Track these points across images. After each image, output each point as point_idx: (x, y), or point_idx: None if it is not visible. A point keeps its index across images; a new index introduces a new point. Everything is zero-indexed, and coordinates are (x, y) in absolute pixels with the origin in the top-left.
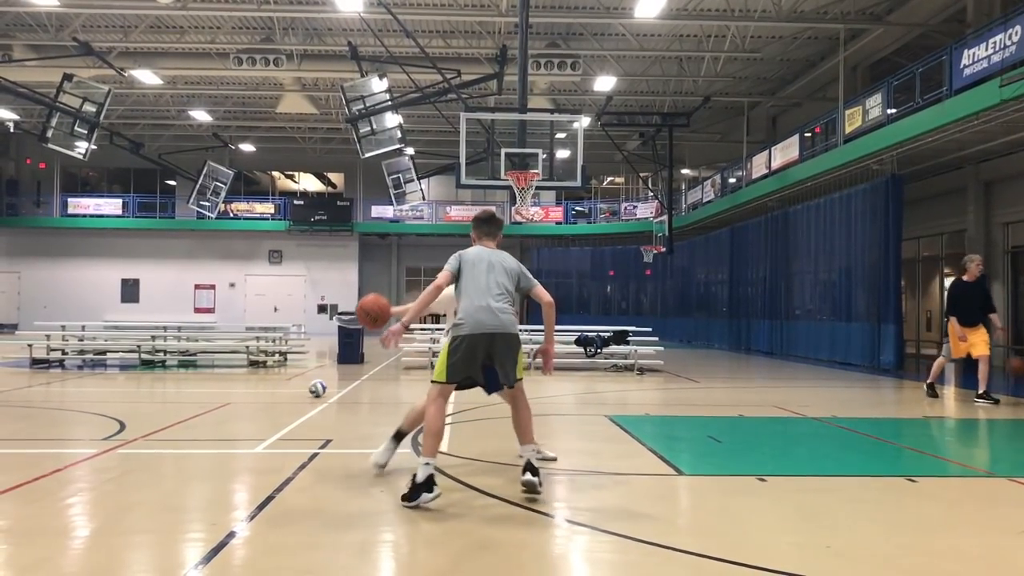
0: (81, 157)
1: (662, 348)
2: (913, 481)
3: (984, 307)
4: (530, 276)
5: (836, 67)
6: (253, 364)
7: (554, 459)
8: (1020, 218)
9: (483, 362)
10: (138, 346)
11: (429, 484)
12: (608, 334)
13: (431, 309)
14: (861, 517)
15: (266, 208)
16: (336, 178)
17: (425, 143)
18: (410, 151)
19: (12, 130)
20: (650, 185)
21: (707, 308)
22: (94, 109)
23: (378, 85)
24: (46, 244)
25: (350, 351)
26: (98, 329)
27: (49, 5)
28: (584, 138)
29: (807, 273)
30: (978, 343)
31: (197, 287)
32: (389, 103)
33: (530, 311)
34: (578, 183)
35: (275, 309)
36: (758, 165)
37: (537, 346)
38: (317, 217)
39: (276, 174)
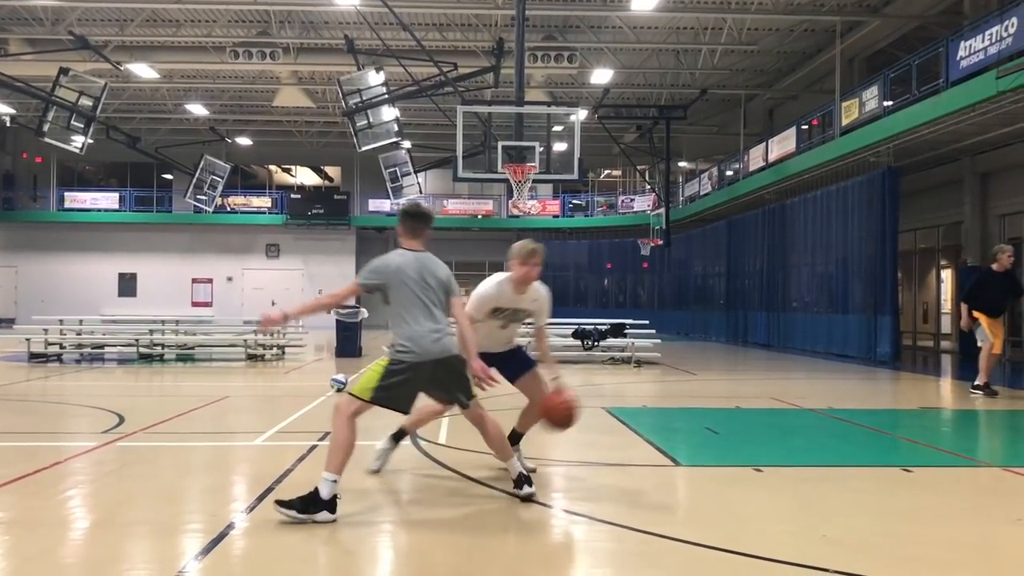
0: (78, 151)
1: (659, 340)
2: (909, 471)
3: (1016, 293)
4: (455, 285)
5: (833, 59)
6: (251, 358)
7: (533, 470)
8: (1017, 209)
9: (424, 388)
10: (136, 340)
11: (332, 504)
12: (605, 327)
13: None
14: (856, 506)
15: (263, 202)
16: (333, 172)
17: (422, 136)
18: (407, 144)
19: (8, 124)
20: (647, 178)
21: (704, 301)
22: (90, 103)
23: (375, 78)
24: (43, 239)
25: (348, 344)
26: (96, 323)
27: None
28: (581, 131)
29: (804, 265)
30: (997, 335)
31: (194, 281)
32: (386, 96)
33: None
34: (575, 176)
35: (272, 303)
36: (755, 158)
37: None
38: (314, 211)
39: (273, 168)
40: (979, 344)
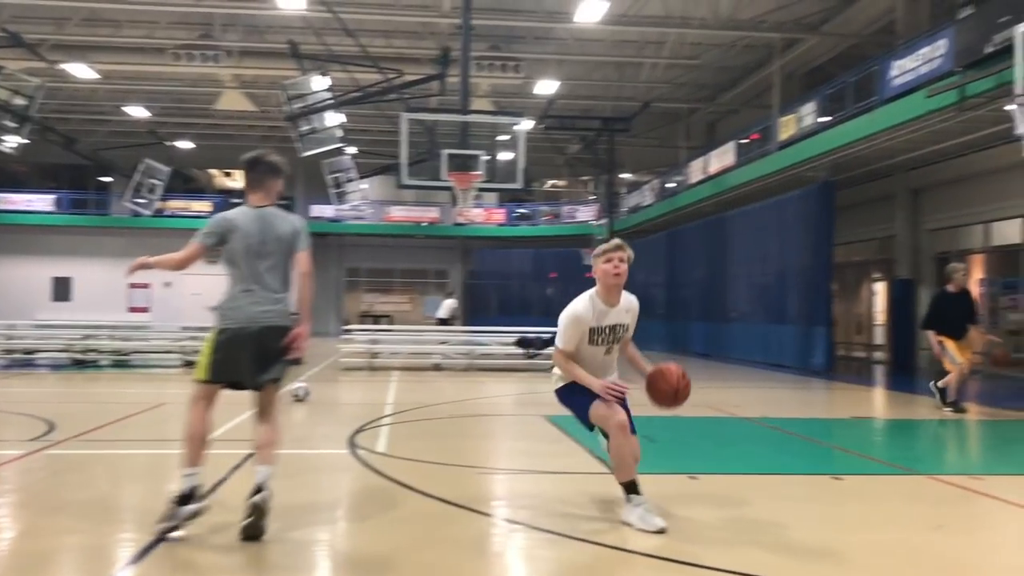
0: (11, 151)
1: None
2: (839, 479)
3: (970, 318)
4: (305, 238)
5: (772, 75)
6: (188, 364)
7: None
8: (945, 225)
9: (252, 359)
10: (70, 345)
11: (190, 498)
12: (548, 335)
13: None
14: (786, 513)
15: (203, 206)
16: None
17: (367, 142)
18: (352, 150)
19: None
20: (591, 188)
21: (645, 310)
22: (25, 102)
23: (319, 83)
24: None
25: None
26: (27, 328)
27: None
28: (526, 141)
29: (742, 276)
30: (964, 355)
31: (132, 286)
32: (330, 102)
33: (477, 311)
34: (519, 185)
35: (211, 309)
36: (696, 170)
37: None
38: None
39: (214, 172)
40: (947, 369)
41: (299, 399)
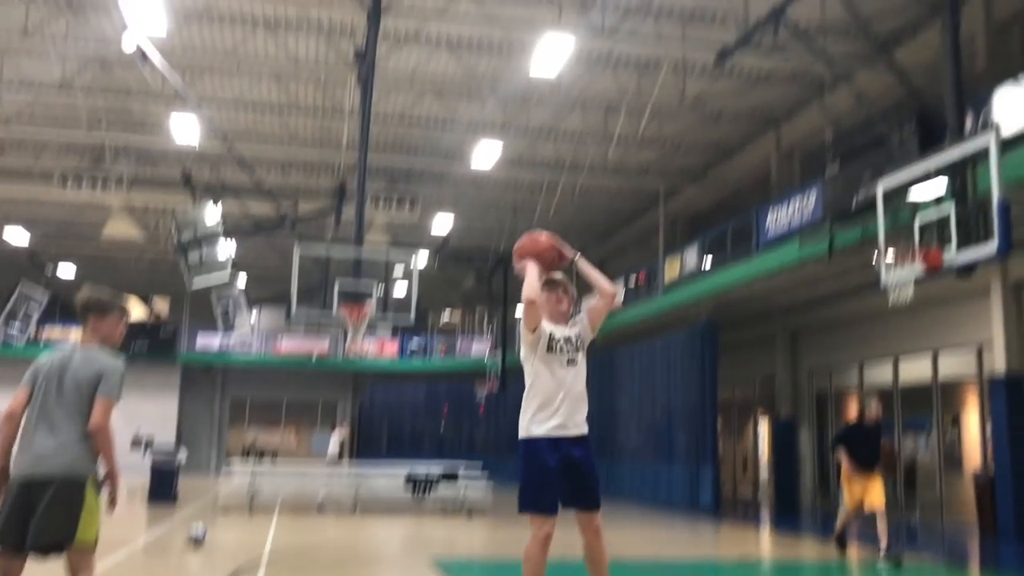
0: None
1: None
2: None
3: (876, 454)
4: (114, 384)
5: (658, 219)
6: None
7: None
8: (821, 366)
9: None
10: None
11: None
12: (436, 475)
13: None
14: None
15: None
16: (163, 303)
17: (259, 270)
18: (242, 281)
19: None
20: (485, 323)
21: None
22: None
23: (211, 213)
24: None
25: (163, 488)
26: None
27: None
28: (421, 275)
29: (631, 414)
30: (874, 493)
31: None
32: (221, 233)
33: (367, 446)
34: (411, 320)
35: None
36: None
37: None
38: (137, 346)
39: None
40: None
41: (198, 542)
